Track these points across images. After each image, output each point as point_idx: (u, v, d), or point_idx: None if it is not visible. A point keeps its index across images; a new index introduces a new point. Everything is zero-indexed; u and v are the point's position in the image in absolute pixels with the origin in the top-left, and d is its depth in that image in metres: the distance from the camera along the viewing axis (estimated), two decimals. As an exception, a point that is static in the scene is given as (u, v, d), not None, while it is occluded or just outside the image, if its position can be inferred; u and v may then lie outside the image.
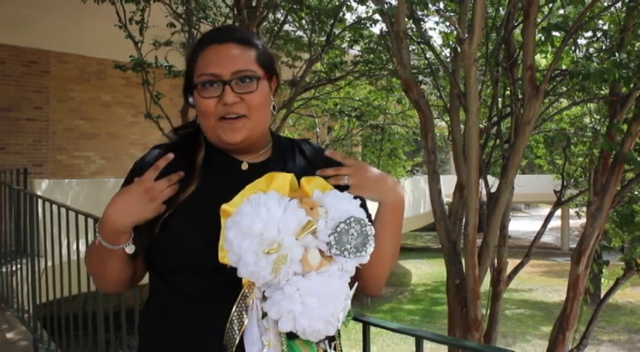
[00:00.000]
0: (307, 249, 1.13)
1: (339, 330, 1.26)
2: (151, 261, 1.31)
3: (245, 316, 1.16)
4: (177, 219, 1.24)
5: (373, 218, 1.31)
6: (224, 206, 1.17)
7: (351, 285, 1.19)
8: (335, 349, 1.25)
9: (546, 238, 25.42)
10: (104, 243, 1.23)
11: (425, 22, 6.55)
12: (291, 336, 1.15)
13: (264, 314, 1.15)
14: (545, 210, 6.96)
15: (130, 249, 1.24)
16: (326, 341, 1.22)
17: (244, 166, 1.33)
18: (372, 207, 1.35)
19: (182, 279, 1.24)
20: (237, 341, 1.15)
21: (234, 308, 1.16)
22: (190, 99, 1.35)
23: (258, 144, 1.35)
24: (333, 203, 1.18)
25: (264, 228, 1.10)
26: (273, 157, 1.36)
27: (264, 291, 1.15)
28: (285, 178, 1.21)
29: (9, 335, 4.71)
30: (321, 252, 1.15)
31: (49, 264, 4.20)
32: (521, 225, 27.45)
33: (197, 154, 1.32)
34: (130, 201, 1.21)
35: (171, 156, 1.24)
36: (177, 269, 1.25)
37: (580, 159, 7.94)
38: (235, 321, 1.16)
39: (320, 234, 1.15)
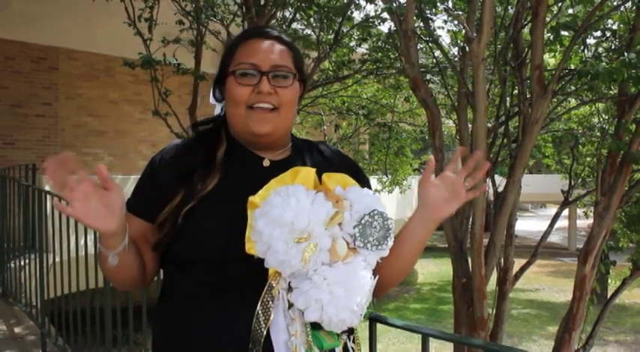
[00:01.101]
0: (335, 240, 1.16)
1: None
2: (169, 254, 1.31)
3: (271, 306, 1.18)
4: (201, 211, 1.26)
5: (410, 232, 1.36)
6: (251, 198, 1.20)
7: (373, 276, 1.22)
8: (354, 342, 1.27)
9: (553, 238, 25.35)
10: (99, 246, 1.23)
11: (433, 21, 6.53)
12: (316, 327, 1.17)
13: (290, 305, 1.17)
14: (553, 210, 6.98)
15: (113, 259, 1.22)
16: (347, 334, 1.24)
17: (266, 163, 1.35)
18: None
19: (203, 271, 1.25)
20: (265, 332, 1.17)
21: (260, 299, 1.18)
22: (216, 95, 1.39)
23: (280, 142, 1.38)
24: (356, 197, 1.22)
25: (294, 217, 1.12)
26: (293, 155, 1.39)
27: (289, 282, 1.17)
28: (309, 172, 1.24)
29: (17, 330, 4.74)
30: (346, 243, 1.18)
31: (57, 259, 4.22)
32: (529, 225, 27.39)
33: (218, 148, 1.34)
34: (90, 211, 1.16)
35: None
36: (199, 261, 1.25)
37: (588, 159, 7.91)
38: (261, 312, 1.17)
39: (345, 225, 1.18)
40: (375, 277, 1.22)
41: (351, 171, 1.38)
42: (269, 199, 1.16)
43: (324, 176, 1.27)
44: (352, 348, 1.26)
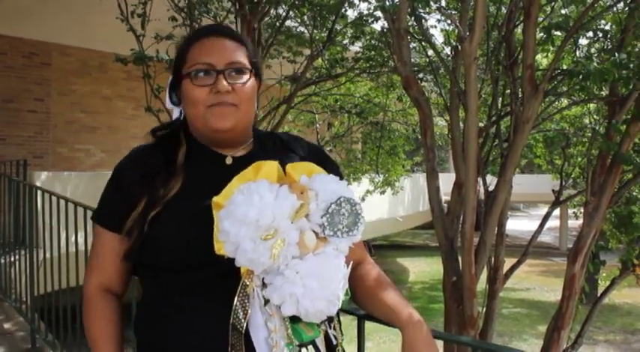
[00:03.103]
0: (303, 232, 1.16)
1: (338, 312, 1.28)
2: (140, 261, 1.30)
3: (247, 305, 1.17)
4: (166, 216, 1.25)
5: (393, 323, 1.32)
6: (215, 198, 1.18)
7: (346, 265, 1.22)
8: (335, 329, 1.27)
9: (545, 238, 25.46)
10: None
11: (426, 20, 6.55)
12: (295, 320, 1.18)
13: (266, 302, 1.17)
14: (545, 210, 7.00)
15: None
16: (326, 322, 1.24)
17: (228, 161, 1.34)
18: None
19: (174, 275, 1.24)
20: (243, 330, 1.16)
21: (235, 299, 1.17)
22: (173, 98, 1.38)
23: (241, 138, 1.37)
24: (322, 185, 1.21)
25: (259, 214, 1.11)
26: (256, 149, 1.38)
27: (263, 279, 1.17)
28: (272, 166, 1.23)
29: (7, 326, 4.72)
30: (315, 234, 1.17)
31: (48, 255, 4.21)
32: (520, 225, 27.48)
33: (177, 151, 1.33)
34: None
35: None
36: (169, 266, 1.24)
37: (579, 159, 7.95)
38: (240, 311, 1.17)
39: (312, 216, 1.17)
40: (348, 264, 1.22)
41: (317, 158, 1.37)
42: (232, 198, 1.15)
43: (288, 167, 1.25)
44: (334, 335, 1.26)
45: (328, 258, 1.17)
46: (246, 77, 1.31)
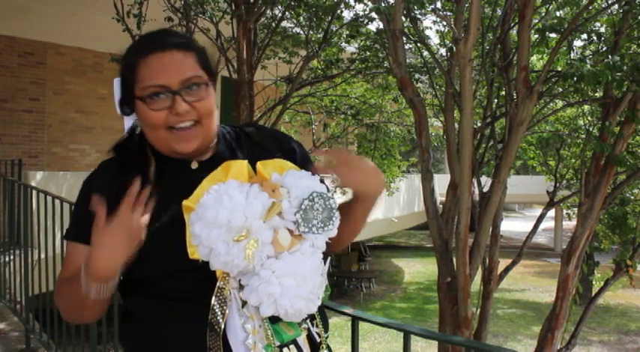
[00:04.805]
0: (277, 231, 1.13)
1: (321, 308, 1.27)
2: (123, 272, 1.25)
3: (225, 308, 1.16)
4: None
5: (354, 203, 1.35)
6: (185, 202, 1.16)
7: (324, 260, 1.20)
8: (317, 327, 1.26)
9: (539, 239, 25.55)
10: (93, 294, 1.17)
11: (421, 21, 6.57)
12: (274, 320, 1.16)
13: (244, 303, 1.15)
14: (539, 211, 7.02)
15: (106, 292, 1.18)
16: (307, 320, 1.23)
17: (194, 165, 1.30)
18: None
19: (154, 286, 1.23)
20: (221, 332, 1.15)
21: (213, 299, 1.15)
22: (124, 110, 1.31)
23: (206, 147, 1.32)
24: (293, 182, 1.18)
25: (230, 216, 1.09)
26: (221, 149, 1.34)
27: (239, 280, 1.15)
28: (241, 165, 1.21)
29: (1, 326, 4.71)
30: (290, 232, 1.15)
31: (42, 255, 4.20)
32: (515, 226, 27.56)
33: (148, 168, 1.28)
34: (118, 245, 1.15)
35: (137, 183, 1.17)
36: (151, 276, 1.23)
37: (573, 160, 7.98)
38: (218, 313, 1.16)
39: (286, 214, 1.15)
40: (327, 260, 1.21)
41: (280, 142, 1.37)
42: (202, 201, 1.13)
43: (259, 165, 1.22)
44: (317, 333, 1.25)
45: (304, 256, 1.14)
46: (203, 90, 1.25)
